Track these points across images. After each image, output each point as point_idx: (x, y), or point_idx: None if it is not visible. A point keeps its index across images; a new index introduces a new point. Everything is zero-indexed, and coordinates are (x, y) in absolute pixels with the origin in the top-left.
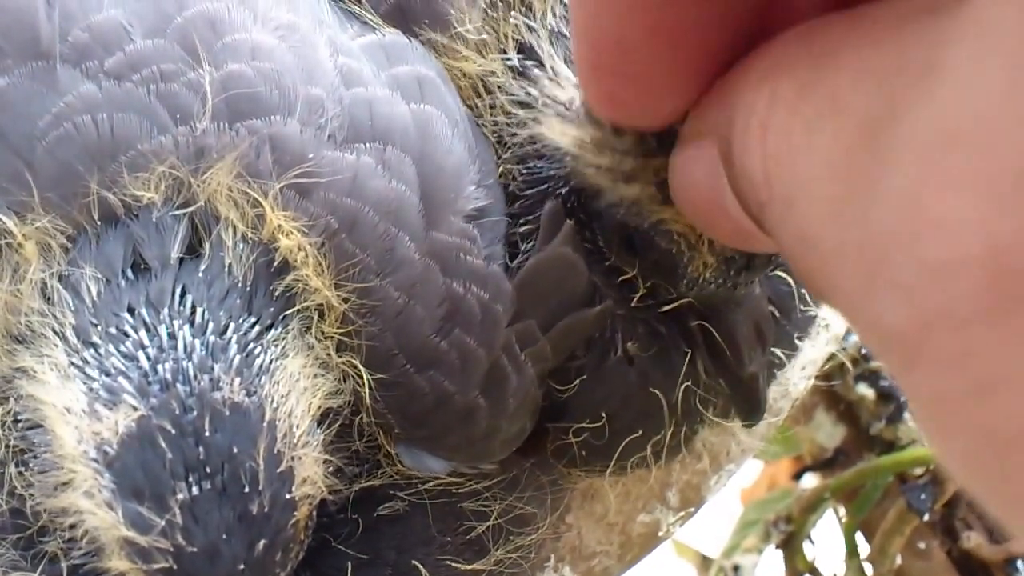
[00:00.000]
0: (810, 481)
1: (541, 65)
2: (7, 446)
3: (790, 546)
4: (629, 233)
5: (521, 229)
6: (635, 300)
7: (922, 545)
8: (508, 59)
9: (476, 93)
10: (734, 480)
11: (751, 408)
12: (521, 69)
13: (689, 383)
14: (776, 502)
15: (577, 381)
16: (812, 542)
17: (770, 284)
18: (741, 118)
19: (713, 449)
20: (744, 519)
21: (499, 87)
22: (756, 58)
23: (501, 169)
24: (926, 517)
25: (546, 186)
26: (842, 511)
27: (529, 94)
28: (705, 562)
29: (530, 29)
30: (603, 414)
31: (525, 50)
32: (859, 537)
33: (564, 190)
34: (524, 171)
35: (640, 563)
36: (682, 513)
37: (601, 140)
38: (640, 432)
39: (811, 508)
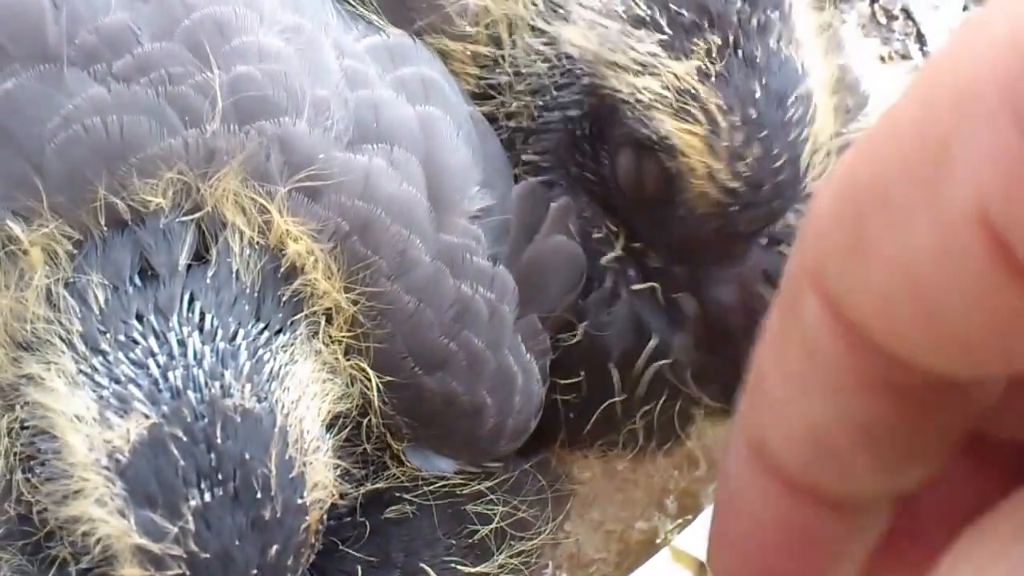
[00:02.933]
0: None
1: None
2: (14, 453)
3: None
4: (637, 151)
5: (534, 157)
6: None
7: None
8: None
9: (495, 42)
10: None
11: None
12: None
13: (676, 356)
14: None
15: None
16: None
17: (769, 259)
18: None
19: (710, 455)
20: None
21: (520, 18)
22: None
23: (515, 107)
24: None
25: (561, 114)
26: None
27: (555, 10)
28: (702, 568)
29: None
30: (581, 372)
31: None
32: None
33: (577, 113)
34: (539, 103)
35: (637, 569)
36: (680, 520)
37: (621, 32)
38: (623, 397)
39: None
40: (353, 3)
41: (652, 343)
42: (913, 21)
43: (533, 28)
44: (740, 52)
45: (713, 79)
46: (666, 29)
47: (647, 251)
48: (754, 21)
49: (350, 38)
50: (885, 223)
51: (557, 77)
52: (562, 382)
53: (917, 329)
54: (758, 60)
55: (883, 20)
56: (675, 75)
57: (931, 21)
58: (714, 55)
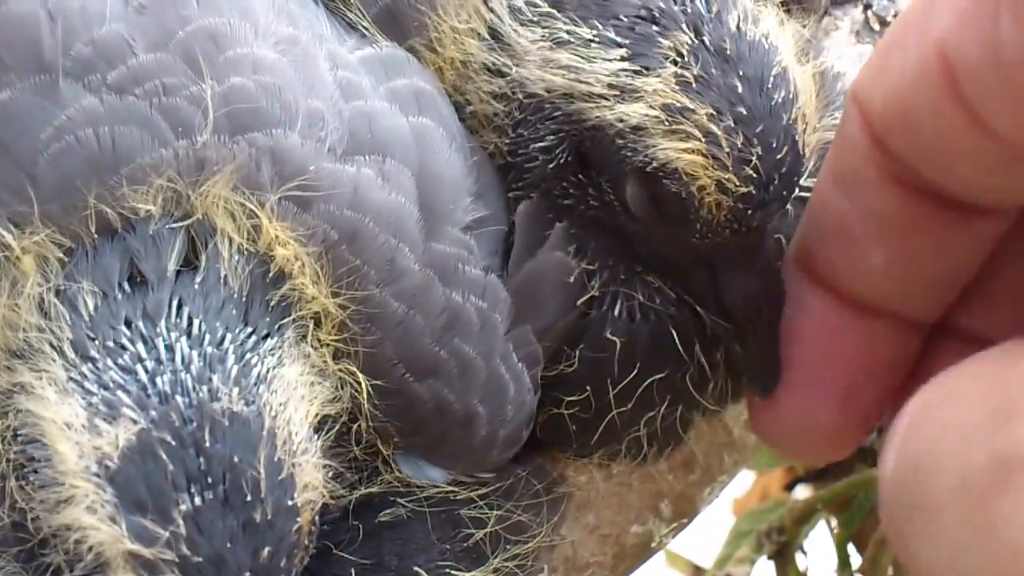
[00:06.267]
0: (802, 492)
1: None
2: (7, 460)
3: (782, 556)
4: (641, 178)
5: (519, 193)
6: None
7: None
8: (483, 38)
9: (464, 78)
10: (726, 491)
11: (764, 373)
12: (493, 45)
13: (681, 360)
14: (768, 513)
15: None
16: (804, 553)
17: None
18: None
19: (705, 460)
20: (736, 529)
21: (476, 64)
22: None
23: (491, 148)
24: None
25: (534, 147)
26: (834, 522)
27: (500, 59)
28: (697, 572)
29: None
30: (587, 387)
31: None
32: (851, 548)
33: (553, 142)
34: (506, 143)
35: (633, 574)
36: (675, 524)
37: (580, 59)
38: (628, 407)
39: (803, 519)
40: (341, 7)
41: (648, 356)
42: None
43: (486, 67)
44: (707, 43)
45: (694, 85)
46: (621, 41)
47: (646, 272)
48: (705, 5)
49: (344, 49)
50: (897, 52)
51: (516, 114)
52: (567, 398)
53: (902, 132)
54: (728, 50)
55: (876, 27)
56: (656, 91)
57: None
58: (686, 57)
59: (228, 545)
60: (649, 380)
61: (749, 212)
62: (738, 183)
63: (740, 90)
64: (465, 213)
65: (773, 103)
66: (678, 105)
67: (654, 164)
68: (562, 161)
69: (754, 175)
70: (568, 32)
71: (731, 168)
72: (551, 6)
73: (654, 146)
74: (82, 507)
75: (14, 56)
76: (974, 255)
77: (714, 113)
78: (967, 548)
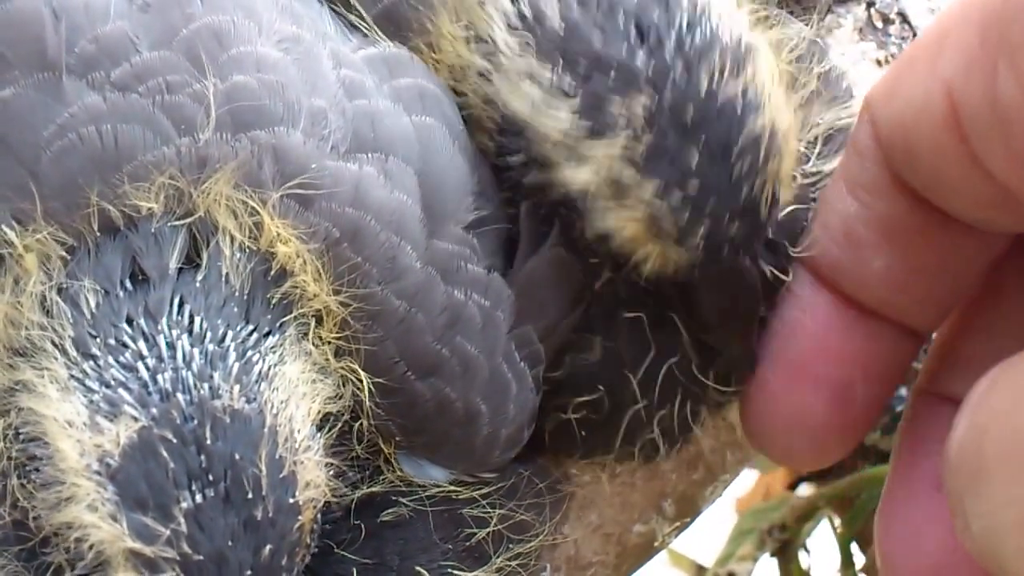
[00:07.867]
0: (805, 490)
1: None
2: (9, 458)
3: (785, 554)
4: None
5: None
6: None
7: None
8: (479, 41)
9: (459, 80)
10: (729, 490)
11: (740, 366)
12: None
13: (682, 353)
14: (771, 511)
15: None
16: (807, 551)
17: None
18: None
19: (710, 458)
20: (739, 528)
21: (469, 67)
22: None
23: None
24: None
25: (515, 159)
26: (837, 521)
27: (487, 66)
28: (700, 571)
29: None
30: (600, 387)
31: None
32: (854, 547)
33: (523, 157)
34: (493, 146)
35: (636, 573)
36: (678, 523)
37: (543, 96)
38: (644, 404)
39: (806, 517)
40: (341, 9)
41: (657, 345)
42: (909, 25)
43: (477, 71)
44: (667, 106)
45: (644, 156)
46: (574, 92)
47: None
48: (675, 56)
49: (347, 48)
50: (908, 78)
51: (498, 120)
52: (575, 401)
53: (904, 155)
54: (689, 115)
55: (879, 24)
56: (603, 157)
57: (927, 26)
58: (639, 123)
59: (229, 543)
60: (665, 367)
61: (697, 273)
62: (679, 255)
63: (696, 162)
64: (468, 212)
65: (734, 175)
66: (624, 180)
67: (600, 228)
68: (530, 179)
69: (700, 247)
70: (538, 64)
71: (676, 242)
72: (530, 27)
73: (599, 209)
74: (83, 505)
75: (17, 53)
76: (973, 269)
77: (662, 187)
78: (1010, 504)
